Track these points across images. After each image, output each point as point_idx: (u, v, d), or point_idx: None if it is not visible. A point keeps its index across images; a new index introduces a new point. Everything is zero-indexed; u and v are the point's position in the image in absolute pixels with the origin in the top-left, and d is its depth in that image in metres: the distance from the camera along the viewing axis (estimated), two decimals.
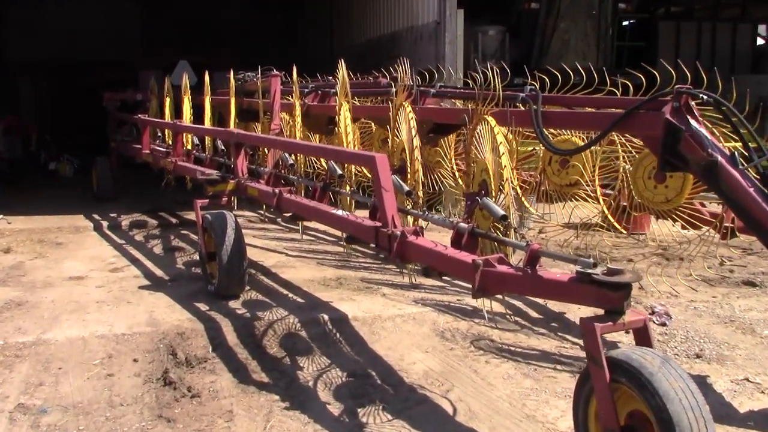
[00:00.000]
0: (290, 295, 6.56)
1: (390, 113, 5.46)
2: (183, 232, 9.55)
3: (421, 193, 4.80)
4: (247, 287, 6.47)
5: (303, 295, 6.56)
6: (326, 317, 5.85)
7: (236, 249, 6.16)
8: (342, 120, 5.78)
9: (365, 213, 4.87)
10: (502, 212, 3.92)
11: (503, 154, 4.07)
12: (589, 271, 3.24)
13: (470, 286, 3.62)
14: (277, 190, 5.79)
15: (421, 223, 4.74)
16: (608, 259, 7.65)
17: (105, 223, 10.03)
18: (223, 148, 7.72)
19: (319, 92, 7.36)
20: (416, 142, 4.85)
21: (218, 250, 6.14)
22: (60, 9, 19.90)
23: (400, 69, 5.40)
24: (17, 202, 11.67)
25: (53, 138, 17.02)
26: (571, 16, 14.31)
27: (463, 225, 4.02)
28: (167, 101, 10.15)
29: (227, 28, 20.22)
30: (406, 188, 4.63)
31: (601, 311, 3.22)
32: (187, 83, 9.63)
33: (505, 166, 4.03)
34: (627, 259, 7.93)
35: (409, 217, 4.80)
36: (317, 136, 7.78)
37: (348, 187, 5.46)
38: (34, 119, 14.89)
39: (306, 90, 7.61)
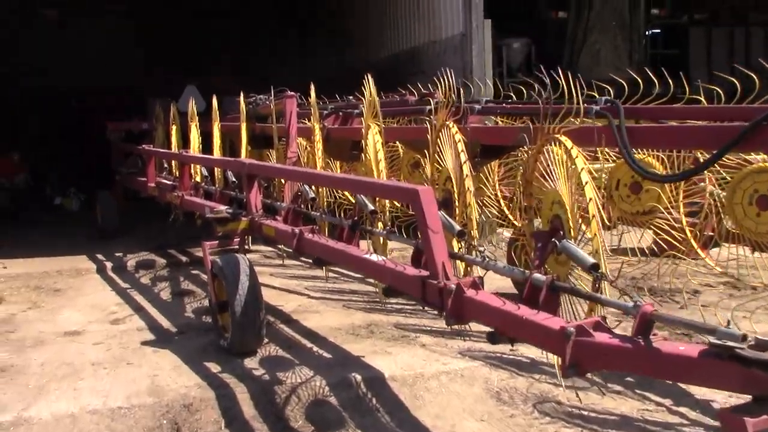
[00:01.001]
0: (315, 348, 5.68)
1: (428, 135, 4.59)
2: (193, 272, 8.71)
3: (475, 232, 3.92)
4: (266, 340, 5.59)
5: (330, 348, 5.68)
6: (359, 378, 4.96)
7: (251, 298, 5.30)
8: (371, 145, 4.93)
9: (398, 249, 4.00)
10: (592, 260, 3.02)
11: (586, 183, 3.18)
12: (731, 343, 2.35)
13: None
14: (297, 230, 4.93)
15: (477, 270, 3.85)
16: (669, 291, 6.73)
17: (109, 264, 9.20)
18: (234, 179, 6.89)
19: (341, 114, 6.52)
20: (466, 169, 3.97)
21: (230, 300, 5.28)
22: (63, 34, 19.30)
23: (443, 81, 4.53)
24: (18, 240, 10.90)
25: (59, 171, 16.30)
26: (600, 25, 13.45)
27: (539, 277, 3.13)
28: (173, 130, 9.36)
29: (234, 49, 19.52)
30: (457, 227, 3.75)
31: (746, 397, 2.34)
32: (194, 109, 8.85)
33: (590, 199, 3.14)
34: (693, 291, 6.98)
35: (459, 262, 3.92)
36: (338, 163, 6.96)
37: (382, 226, 4.59)
38: (21, 158, 14.10)
39: (325, 112, 6.78)
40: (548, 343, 2.85)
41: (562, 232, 3.38)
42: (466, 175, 3.96)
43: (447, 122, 4.32)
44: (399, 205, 4.85)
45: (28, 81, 19.09)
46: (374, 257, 4.13)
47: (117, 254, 9.75)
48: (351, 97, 7.53)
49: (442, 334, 5.86)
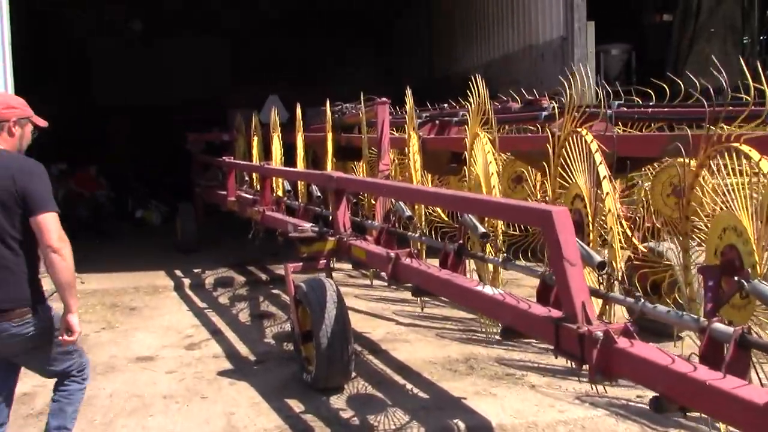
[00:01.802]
0: (408, 385, 5.03)
1: (549, 145, 3.89)
2: (273, 291, 8.20)
3: (621, 265, 3.20)
4: (353, 374, 4.98)
5: (425, 385, 5.02)
6: (462, 426, 4.28)
7: (338, 329, 4.70)
8: (480, 156, 4.25)
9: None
10: None
11: None
12: None
13: None
14: (392, 253, 4.30)
15: (617, 309, 3.12)
16: None
17: (186, 281, 8.80)
18: (319, 194, 6.33)
19: (437, 122, 5.88)
20: (607, 186, 3.25)
21: (316, 330, 4.70)
22: (145, 50, 19.32)
23: (576, 78, 3.84)
24: (97, 254, 10.65)
25: (141, 184, 16.22)
26: (708, 31, 12.41)
27: (722, 329, 2.39)
28: (255, 141, 8.91)
29: (317, 61, 19.14)
30: (597, 258, 3.04)
31: None
32: (277, 120, 8.37)
33: None
34: None
35: (598, 299, 3.19)
36: (428, 177, 6.30)
37: (497, 253, 3.90)
38: (97, 174, 13.94)
39: (419, 120, 6.14)
40: (747, 422, 2.12)
41: (740, 268, 2.63)
42: (607, 194, 3.24)
43: (578, 129, 3.61)
44: (509, 226, 4.15)
45: (109, 96, 19.21)
46: (489, 290, 3.45)
47: (195, 270, 9.36)
48: (445, 105, 6.89)
49: (553, 372, 5.13)
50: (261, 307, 7.51)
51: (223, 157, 9.00)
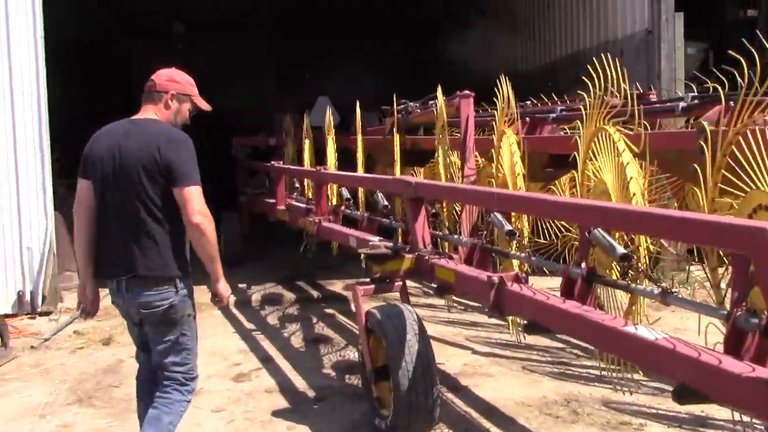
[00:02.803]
0: None
1: (704, 143, 3.00)
2: (327, 311, 7.39)
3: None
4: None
5: None
6: None
7: (422, 368, 3.87)
8: (608, 157, 3.38)
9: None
10: None
11: None
12: None
13: None
14: (495, 278, 3.44)
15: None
16: None
17: (231, 298, 7.99)
18: (386, 203, 5.50)
19: (527, 120, 5.02)
20: None
21: (393, 369, 3.86)
22: (186, 53, 18.73)
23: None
24: None
25: None
26: None
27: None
28: (306, 145, 8.14)
29: (364, 63, 18.35)
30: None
31: None
32: (331, 122, 7.59)
33: None
34: None
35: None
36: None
37: (640, 281, 3.02)
38: None
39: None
40: None
41: None
42: None
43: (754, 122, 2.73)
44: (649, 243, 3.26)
45: None
46: (646, 332, 2.58)
47: (240, 285, 8.60)
48: (528, 102, 6.03)
49: (679, 422, 4.22)
50: (315, 329, 6.70)
51: (272, 162, 8.24)
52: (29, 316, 7.35)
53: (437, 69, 15.99)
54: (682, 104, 4.12)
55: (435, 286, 4.22)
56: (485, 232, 4.16)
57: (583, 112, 3.77)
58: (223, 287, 3.52)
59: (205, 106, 3.64)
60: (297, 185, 8.10)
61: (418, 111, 6.56)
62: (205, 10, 17.44)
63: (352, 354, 5.81)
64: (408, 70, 17.31)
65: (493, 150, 4.72)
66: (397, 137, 6.09)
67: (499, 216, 3.98)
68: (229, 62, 18.54)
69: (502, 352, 5.76)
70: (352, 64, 18.17)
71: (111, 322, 7.03)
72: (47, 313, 7.38)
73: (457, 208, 5.11)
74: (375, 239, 4.87)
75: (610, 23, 9.24)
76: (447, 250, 4.65)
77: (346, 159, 7.56)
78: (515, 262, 4.02)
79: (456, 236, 4.38)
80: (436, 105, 5.28)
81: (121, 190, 3.29)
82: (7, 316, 7.24)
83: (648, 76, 8.12)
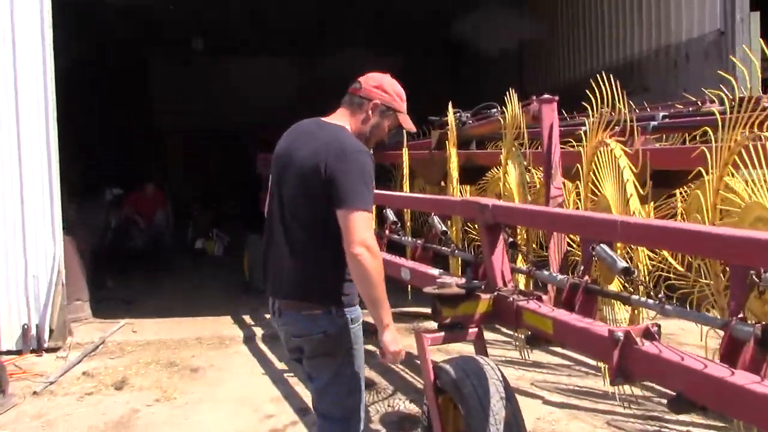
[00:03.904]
0: None
1: None
2: (369, 347, 6.54)
3: None
4: None
5: None
6: None
7: None
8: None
9: None
10: None
11: None
12: None
13: None
14: (620, 332, 2.60)
15: None
16: None
17: (258, 331, 7.26)
18: (444, 229, 4.67)
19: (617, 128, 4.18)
20: None
21: None
22: (206, 70, 18.13)
23: None
24: (152, 293, 9.22)
25: (201, 211, 14.84)
26: None
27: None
28: None
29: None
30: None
31: None
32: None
33: None
34: None
35: None
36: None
37: None
38: (160, 189, 12.21)
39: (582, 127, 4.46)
40: None
41: None
42: None
43: None
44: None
45: (168, 118, 18.13)
46: None
47: (268, 315, 7.77)
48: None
49: None
50: None
51: None
52: (35, 353, 6.58)
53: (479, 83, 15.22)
54: None
55: (525, 335, 3.38)
56: (583, 269, 3.33)
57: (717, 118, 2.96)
58: (391, 339, 2.90)
59: (410, 126, 3.14)
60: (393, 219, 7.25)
61: (470, 122, 5.76)
62: (226, 28, 16.80)
63: (402, 404, 5.00)
64: (444, 83, 16.55)
65: (579, 165, 3.90)
66: (454, 150, 5.27)
67: (607, 248, 3.16)
68: (250, 79, 17.93)
69: (578, 401, 4.92)
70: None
71: (125, 361, 6.28)
72: (54, 350, 6.62)
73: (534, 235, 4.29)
74: (437, 272, 4.06)
75: (672, 25, 8.41)
76: (526, 287, 3.83)
77: (381, 175, 6.77)
78: (644, 310, 3.20)
79: (546, 272, 3.55)
80: (503, 113, 4.47)
81: (282, 198, 2.96)
82: (9, 353, 6.49)
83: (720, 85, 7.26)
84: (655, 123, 4.11)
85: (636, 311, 3.25)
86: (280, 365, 6.11)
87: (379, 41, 16.69)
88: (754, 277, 2.33)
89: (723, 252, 2.34)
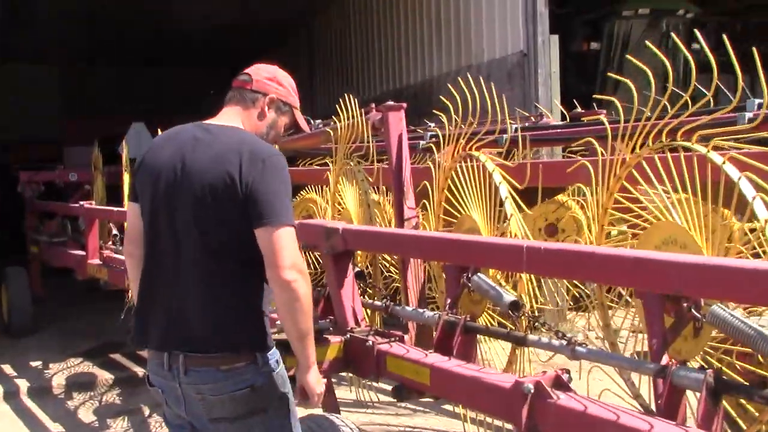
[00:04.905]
0: None
1: None
2: None
3: None
4: None
5: None
6: None
7: None
8: None
9: None
10: None
11: None
12: None
13: None
14: (528, 383, 2.11)
15: None
16: None
17: (23, 384, 6.00)
18: None
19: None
20: None
21: None
22: None
23: None
24: None
25: None
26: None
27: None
28: (125, 179, 6.37)
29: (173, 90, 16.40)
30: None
31: None
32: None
33: None
34: None
35: None
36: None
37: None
38: None
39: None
40: None
41: None
42: None
43: None
44: None
45: None
46: None
47: (34, 364, 6.55)
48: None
49: None
50: (153, 428, 4.95)
51: (81, 203, 6.37)
52: None
53: None
54: None
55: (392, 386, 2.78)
56: (449, 303, 2.82)
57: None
58: (314, 379, 2.39)
59: (305, 125, 2.72)
60: (115, 232, 6.27)
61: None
62: None
63: None
64: None
65: (428, 183, 3.41)
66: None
67: (485, 277, 2.68)
68: (7, 90, 15.85)
69: None
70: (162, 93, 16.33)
71: None
72: None
73: (386, 263, 3.71)
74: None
75: (476, 47, 8.40)
76: (374, 325, 3.26)
77: None
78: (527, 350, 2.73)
79: (409, 308, 2.99)
80: (336, 123, 3.90)
81: (174, 224, 2.32)
82: None
83: (524, 101, 7.29)
84: (510, 135, 3.73)
85: (516, 351, 2.78)
86: (56, 428, 5.01)
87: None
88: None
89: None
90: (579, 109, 4.64)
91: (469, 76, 4.14)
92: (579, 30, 11.18)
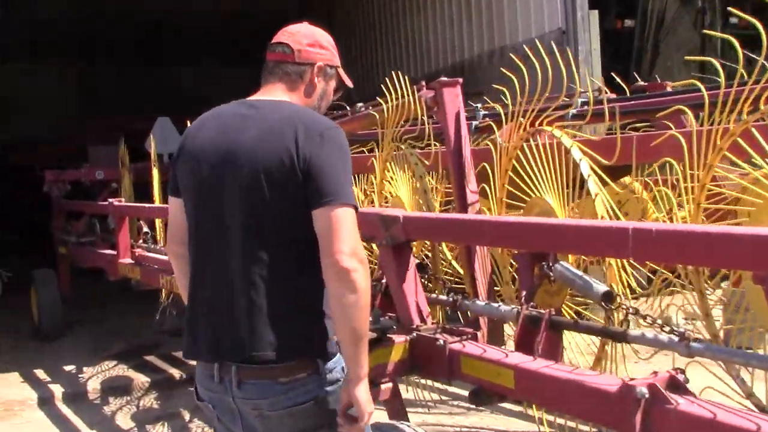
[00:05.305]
0: None
1: None
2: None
3: None
4: None
5: None
6: None
7: None
8: None
9: None
10: None
11: None
12: None
13: None
14: (642, 386, 1.82)
15: None
16: None
17: (57, 389, 5.80)
18: None
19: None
20: None
21: None
22: None
23: None
24: None
25: None
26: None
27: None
28: (155, 175, 6.16)
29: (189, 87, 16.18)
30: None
31: None
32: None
33: None
34: None
35: None
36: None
37: None
38: None
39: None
40: None
41: None
42: None
43: None
44: None
45: None
46: None
47: (68, 368, 6.36)
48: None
49: None
50: None
51: (110, 200, 6.15)
52: None
53: None
54: None
55: (470, 391, 2.50)
56: (526, 294, 2.54)
57: None
58: (366, 396, 1.97)
59: (349, 82, 2.32)
60: (146, 230, 6.05)
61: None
62: None
63: None
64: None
65: (489, 164, 3.13)
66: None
67: (569, 265, 2.40)
68: (22, 89, 15.73)
69: None
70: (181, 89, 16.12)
71: None
72: None
73: (447, 255, 3.44)
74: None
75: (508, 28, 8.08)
76: (439, 321, 2.98)
77: None
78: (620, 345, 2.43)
79: (480, 302, 2.71)
80: (382, 104, 3.62)
81: (224, 213, 2.03)
82: None
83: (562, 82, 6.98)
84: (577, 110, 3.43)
85: (606, 347, 2.50)
86: None
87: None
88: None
89: None
90: (640, 83, 4.35)
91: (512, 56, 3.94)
92: (613, 7, 10.83)
